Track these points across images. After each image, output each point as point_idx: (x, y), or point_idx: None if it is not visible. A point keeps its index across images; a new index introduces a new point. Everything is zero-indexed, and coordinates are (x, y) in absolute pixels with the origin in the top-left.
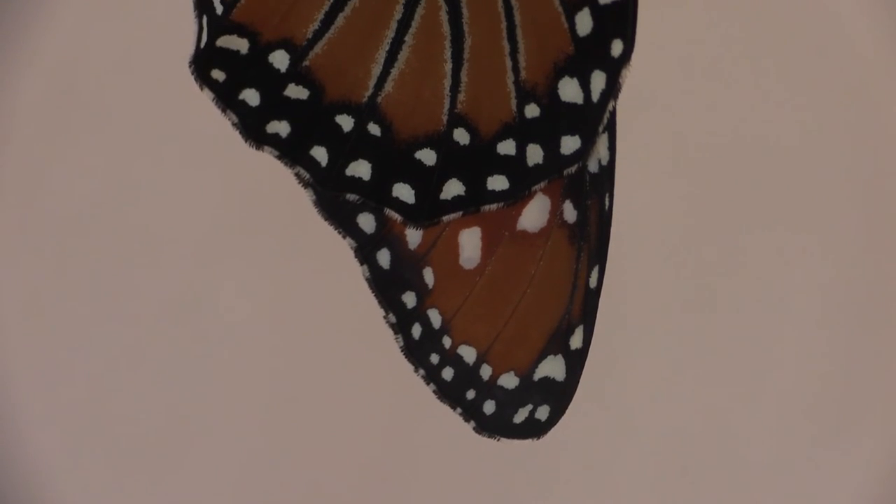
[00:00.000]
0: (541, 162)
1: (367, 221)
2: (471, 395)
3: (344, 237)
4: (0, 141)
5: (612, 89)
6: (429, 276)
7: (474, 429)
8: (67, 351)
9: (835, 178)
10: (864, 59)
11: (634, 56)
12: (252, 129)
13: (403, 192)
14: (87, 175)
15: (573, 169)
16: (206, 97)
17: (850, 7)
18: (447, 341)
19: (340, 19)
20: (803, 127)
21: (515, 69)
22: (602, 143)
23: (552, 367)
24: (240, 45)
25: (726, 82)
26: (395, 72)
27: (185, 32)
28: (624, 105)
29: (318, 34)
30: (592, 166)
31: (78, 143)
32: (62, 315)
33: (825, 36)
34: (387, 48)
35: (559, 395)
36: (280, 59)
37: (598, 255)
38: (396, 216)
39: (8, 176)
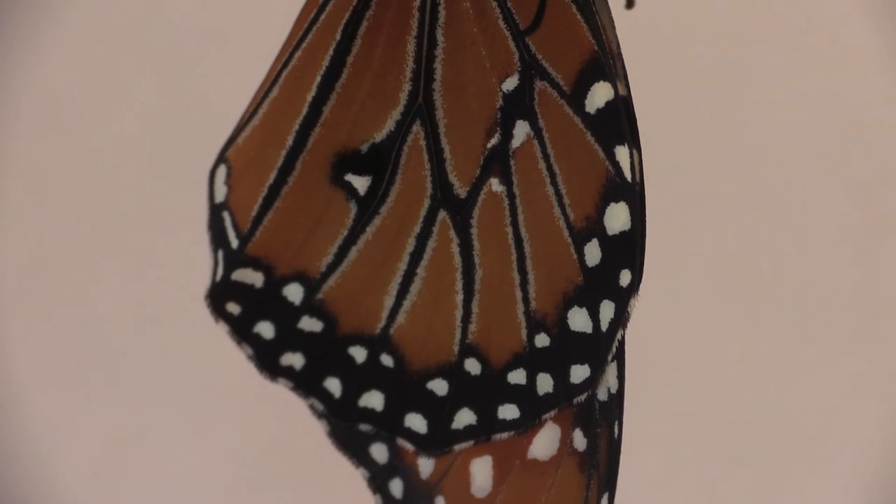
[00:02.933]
0: (551, 391)
1: (379, 451)
2: None
3: (357, 467)
4: (12, 411)
5: (620, 319)
6: None
7: None
8: None
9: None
10: None
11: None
12: (267, 361)
13: (416, 422)
14: (99, 433)
15: (583, 397)
16: (220, 333)
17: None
18: None
19: (353, 253)
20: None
21: (525, 299)
22: (611, 371)
23: None
24: (255, 278)
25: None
26: (407, 303)
27: (193, 270)
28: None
29: (332, 267)
30: (602, 394)
31: (89, 401)
32: None
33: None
34: (399, 280)
35: None
36: (294, 293)
37: (608, 484)
38: (409, 446)
39: (25, 434)
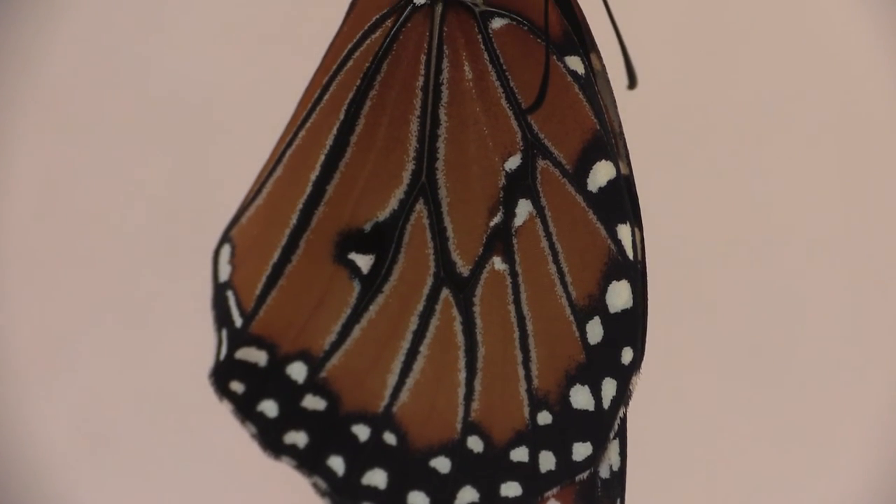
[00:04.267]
0: (553, 468)
1: None
2: None
3: None
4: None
5: (622, 396)
6: None
7: None
8: None
9: None
10: None
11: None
12: (270, 440)
13: (418, 500)
14: None
15: (585, 475)
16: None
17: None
18: None
19: (357, 331)
20: None
21: (528, 377)
22: (613, 448)
23: None
24: (258, 357)
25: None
26: (410, 381)
27: (197, 349)
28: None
29: (336, 346)
30: (604, 471)
31: (98, 480)
32: None
33: None
34: (402, 358)
35: None
36: (298, 371)
37: None
38: None
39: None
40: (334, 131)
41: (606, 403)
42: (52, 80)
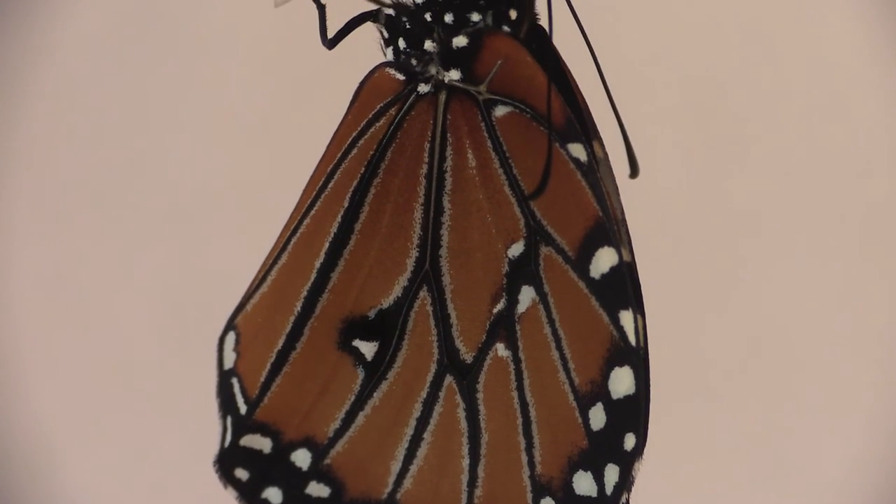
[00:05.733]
0: None
1: None
2: None
3: None
4: None
5: (624, 482)
6: None
7: None
8: None
9: None
10: None
11: None
12: None
13: None
14: None
15: None
16: None
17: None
18: None
19: (361, 418)
20: None
21: (531, 463)
22: None
23: None
24: (263, 444)
25: None
26: (413, 468)
27: (201, 437)
28: None
29: (340, 433)
30: None
31: None
32: None
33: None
34: (406, 445)
35: None
36: (302, 458)
37: None
38: None
39: None
40: (338, 219)
41: (609, 489)
42: (52, 167)
